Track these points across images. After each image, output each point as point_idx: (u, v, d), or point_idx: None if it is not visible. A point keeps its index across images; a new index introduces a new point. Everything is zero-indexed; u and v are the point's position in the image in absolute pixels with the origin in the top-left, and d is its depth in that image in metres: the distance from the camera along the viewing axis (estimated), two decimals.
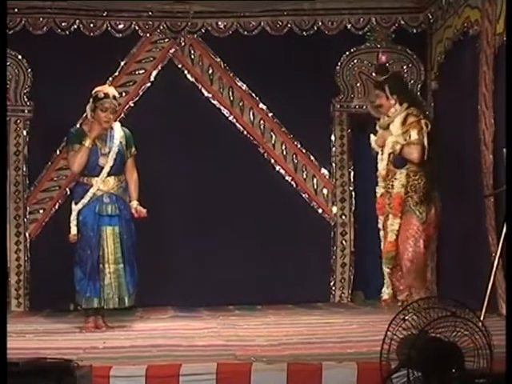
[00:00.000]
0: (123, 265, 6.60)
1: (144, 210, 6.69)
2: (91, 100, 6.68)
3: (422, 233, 6.60)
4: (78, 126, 7.00)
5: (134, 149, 6.85)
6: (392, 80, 6.83)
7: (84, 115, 6.93)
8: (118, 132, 6.75)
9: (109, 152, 6.65)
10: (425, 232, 6.61)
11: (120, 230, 6.63)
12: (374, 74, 8.18)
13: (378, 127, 6.87)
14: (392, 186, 6.69)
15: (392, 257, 6.65)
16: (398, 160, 6.64)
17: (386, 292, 6.81)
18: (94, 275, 6.54)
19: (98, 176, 6.61)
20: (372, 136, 6.90)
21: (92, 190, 6.61)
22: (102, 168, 6.63)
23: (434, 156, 6.63)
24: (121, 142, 6.73)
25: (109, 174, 6.64)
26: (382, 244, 6.85)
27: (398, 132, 6.62)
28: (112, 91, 6.78)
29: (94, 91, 6.70)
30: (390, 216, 6.67)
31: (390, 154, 6.67)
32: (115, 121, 6.89)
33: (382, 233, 6.84)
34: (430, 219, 6.66)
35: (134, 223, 6.77)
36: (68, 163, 6.95)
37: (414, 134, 6.55)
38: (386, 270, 6.72)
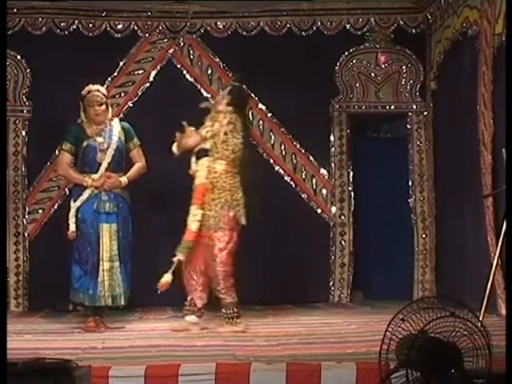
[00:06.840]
0: (118, 263, 6.57)
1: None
2: (81, 104, 6.71)
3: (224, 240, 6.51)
4: (79, 121, 6.98)
5: (136, 139, 6.84)
6: None
7: None
8: (117, 128, 6.75)
9: (107, 148, 6.65)
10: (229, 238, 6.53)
11: (117, 227, 6.60)
12: None
13: None
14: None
15: (189, 246, 6.52)
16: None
17: None
18: (95, 273, 6.52)
19: (96, 173, 6.60)
20: None
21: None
22: (100, 164, 6.63)
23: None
24: (119, 138, 6.72)
25: (107, 171, 6.61)
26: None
27: None
28: (95, 87, 6.76)
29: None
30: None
31: None
32: (112, 118, 6.86)
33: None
34: (229, 224, 6.58)
35: (133, 222, 6.76)
36: (57, 160, 7.10)
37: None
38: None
